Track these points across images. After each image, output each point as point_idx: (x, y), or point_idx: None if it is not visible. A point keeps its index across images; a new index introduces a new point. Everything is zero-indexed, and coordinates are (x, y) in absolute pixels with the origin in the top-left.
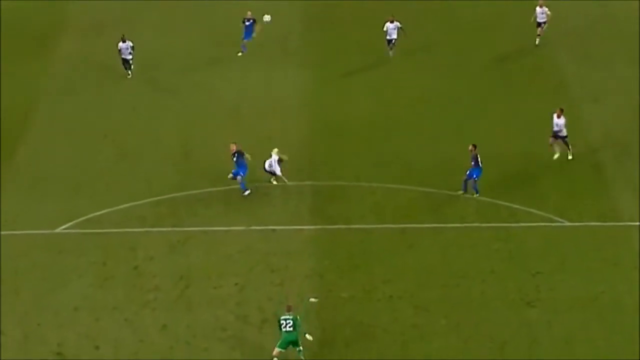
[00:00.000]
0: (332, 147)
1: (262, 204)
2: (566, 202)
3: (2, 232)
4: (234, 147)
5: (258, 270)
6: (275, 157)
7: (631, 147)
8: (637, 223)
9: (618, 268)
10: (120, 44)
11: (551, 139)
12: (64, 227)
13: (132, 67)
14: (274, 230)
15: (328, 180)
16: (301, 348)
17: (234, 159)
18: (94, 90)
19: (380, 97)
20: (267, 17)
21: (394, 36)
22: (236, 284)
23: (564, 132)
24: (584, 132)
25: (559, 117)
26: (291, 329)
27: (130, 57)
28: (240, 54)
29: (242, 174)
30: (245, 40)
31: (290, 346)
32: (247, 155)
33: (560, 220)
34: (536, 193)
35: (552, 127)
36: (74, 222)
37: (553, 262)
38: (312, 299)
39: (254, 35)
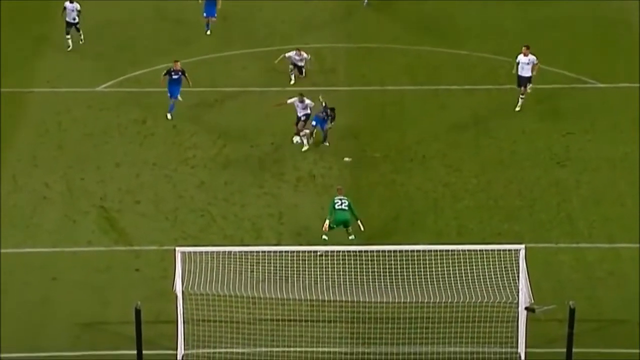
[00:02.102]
0: (367, 9)
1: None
2: (598, 63)
3: (45, 90)
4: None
5: (293, 131)
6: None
7: None
8: None
9: None
10: (66, 4)
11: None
12: (104, 85)
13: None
14: (309, 90)
15: (362, 42)
16: (351, 231)
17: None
18: None
19: None
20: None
21: None
22: (272, 143)
23: (529, 73)
24: None
25: (525, 55)
26: (346, 207)
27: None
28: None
29: None
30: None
31: (342, 227)
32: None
33: (591, 81)
34: (568, 55)
35: (517, 71)
36: (115, 80)
37: (583, 123)
38: (347, 159)
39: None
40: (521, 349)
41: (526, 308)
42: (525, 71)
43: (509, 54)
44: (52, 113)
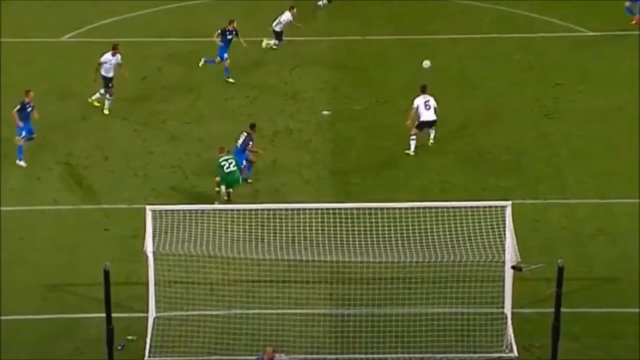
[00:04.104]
0: None
1: (275, 14)
2: (587, 10)
3: (8, 40)
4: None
5: (270, 84)
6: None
7: None
8: None
9: None
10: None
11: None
12: (70, 35)
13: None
14: (287, 41)
15: None
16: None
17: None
18: None
19: None
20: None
21: None
22: (247, 97)
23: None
24: None
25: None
26: (234, 168)
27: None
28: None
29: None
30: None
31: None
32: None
33: (581, 29)
34: (556, 2)
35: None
36: (81, 30)
37: (573, 73)
38: (325, 112)
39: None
40: (507, 309)
41: (513, 267)
42: (425, 116)
43: (496, 2)
44: (15, 63)
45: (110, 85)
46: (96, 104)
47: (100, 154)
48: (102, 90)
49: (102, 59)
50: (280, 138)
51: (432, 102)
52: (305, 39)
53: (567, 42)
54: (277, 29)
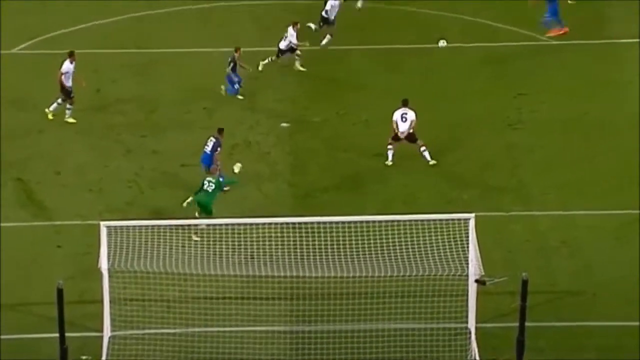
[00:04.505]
0: None
1: (230, 24)
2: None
3: None
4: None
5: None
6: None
7: None
8: (628, 40)
9: (604, 87)
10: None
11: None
12: (21, 46)
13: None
14: (244, 51)
15: None
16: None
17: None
18: None
19: None
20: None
21: None
22: (205, 108)
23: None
24: None
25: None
26: (211, 190)
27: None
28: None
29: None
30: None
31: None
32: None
33: (544, 39)
34: (521, 10)
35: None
36: (33, 41)
37: (537, 83)
38: (284, 124)
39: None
40: (471, 324)
41: (476, 280)
42: (402, 128)
43: (460, 11)
44: None
45: (72, 95)
46: (50, 117)
47: (53, 168)
48: (59, 100)
49: (64, 69)
50: (238, 151)
51: (409, 115)
52: (262, 49)
53: (531, 51)
54: (283, 47)
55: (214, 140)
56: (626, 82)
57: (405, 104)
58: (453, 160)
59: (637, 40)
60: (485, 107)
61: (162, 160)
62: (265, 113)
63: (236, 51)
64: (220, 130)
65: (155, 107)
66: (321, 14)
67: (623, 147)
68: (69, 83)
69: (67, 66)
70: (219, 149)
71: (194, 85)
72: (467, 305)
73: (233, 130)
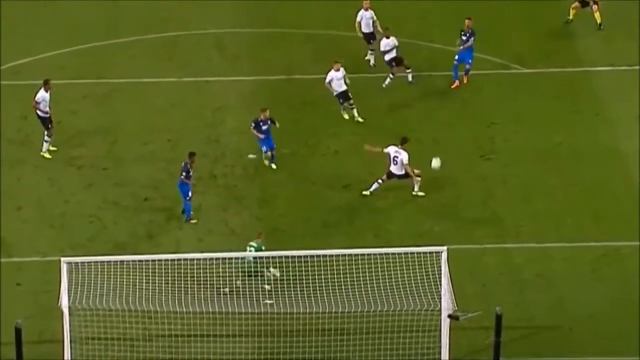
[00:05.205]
0: None
1: (195, 53)
2: (523, 47)
3: None
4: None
5: (191, 125)
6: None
7: None
8: (601, 68)
9: (577, 116)
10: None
11: None
12: None
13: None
14: (207, 81)
15: (267, 27)
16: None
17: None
18: None
19: None
20: None
21: None
22: (169, 140)
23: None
24: None
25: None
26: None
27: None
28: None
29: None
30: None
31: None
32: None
33: (516, 66)
34: (491, 38)
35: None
36: None
37: (508, 112)
38: (251, 156)
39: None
40: None
41: (449, 315)
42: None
43: (427, 38)
44: None
45: (50, 125)
46: (48, 155)
47: (12, 203)
48: (46, 138)
49: (38, 97)
50: (203, 184)
51: (402, 157)
52: (226, 78)
53: (503, 79)
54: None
55: (183, 164)
56: (599, 110)
57: (402, 142)
58: (425, 192)
59: (611, 68)
60: (457, 136)
61: (124, 193)
62: (231, 145)
63: (262, 113)
64: (191, 155)
65: (117, 139)
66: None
67: (597, 178)
68: (44, 112)
69: (42, 95)
70: (183, 173)
71: (157, 117)
72: (439, 341)
73: (197, 163)
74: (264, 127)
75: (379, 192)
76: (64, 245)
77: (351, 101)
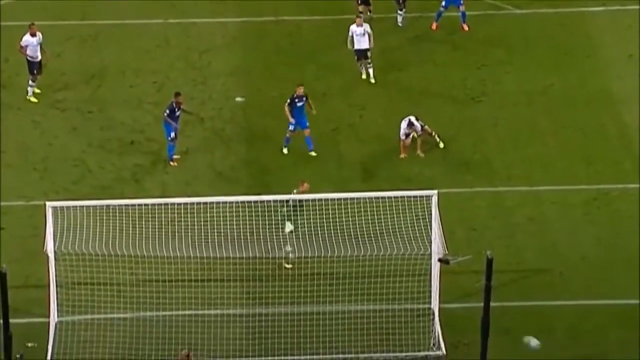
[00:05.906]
0: None
1: None
2: None
3: None
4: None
5: (178, 68)
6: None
7: None
8: (593, 8)
9: (569, 57)
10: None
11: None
12: None
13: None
14: (194, 23)
15: None
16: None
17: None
18: None
19: None
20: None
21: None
22: (154, 82)
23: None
24: None
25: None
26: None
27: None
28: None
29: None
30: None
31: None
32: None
33: (507, 7)
34: None
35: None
36: None
37: (499, 54)
38: (239, 99)
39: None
40: (434, 305)
41: (439, 260)
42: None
43: None
44: None
45: (35, 71)
46: (34, 99)
47: None
48: (31, 82)
49: (23, 41)
50: (190, 127)
51: (416, 127)
52: (213, 20)
53: (494, 21)
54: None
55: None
56: (591, 52)
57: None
58: (415, 136)
59: (603, 8)
60: (447, 79)
61: (110, 137)
62: (218, 88)
63: (298, 88)
64: (177, 94)
65: (102, 82)
66: None
67: (588, 120)
68: (35, 58)
69: (27, 39)
70: (167, 111)
71: (143, 59)
72: (430, 286)
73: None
74: (299, 104)
75: (366, 137)
76: (48, 189)
77: (369, 60)
